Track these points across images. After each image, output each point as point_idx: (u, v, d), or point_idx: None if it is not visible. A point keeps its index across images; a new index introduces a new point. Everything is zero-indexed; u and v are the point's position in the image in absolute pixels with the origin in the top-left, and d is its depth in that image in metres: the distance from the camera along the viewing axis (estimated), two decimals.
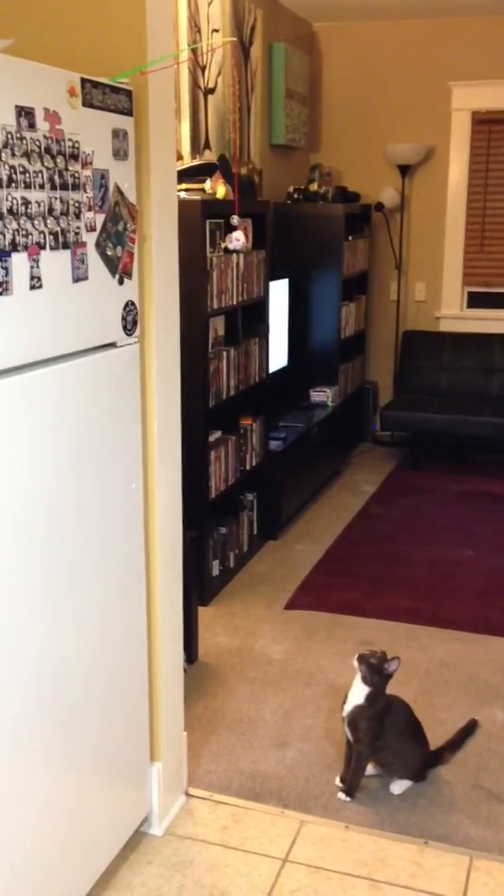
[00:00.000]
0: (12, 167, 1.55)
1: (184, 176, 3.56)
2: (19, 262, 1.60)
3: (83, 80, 1.73)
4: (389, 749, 2.48)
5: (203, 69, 4.27)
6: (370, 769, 2.52)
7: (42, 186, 1.63)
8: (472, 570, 4.03)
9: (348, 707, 2.47)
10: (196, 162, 3.86)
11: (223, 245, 3.58)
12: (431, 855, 2.28)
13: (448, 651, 3.31)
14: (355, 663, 2.48)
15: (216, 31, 4.35)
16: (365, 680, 2.45)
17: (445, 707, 2.93)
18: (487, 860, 2.26)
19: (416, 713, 2.55)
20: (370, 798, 2.49)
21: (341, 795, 2.48)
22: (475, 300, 6.01)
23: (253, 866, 2.24)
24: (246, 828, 2.38)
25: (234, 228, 2.70)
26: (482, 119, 5.70)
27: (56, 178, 1.67)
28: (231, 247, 3.31)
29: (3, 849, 1.75)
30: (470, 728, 2.77)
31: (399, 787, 2.51)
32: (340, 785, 2.51)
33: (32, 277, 1.64)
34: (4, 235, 1.56)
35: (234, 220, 2.67)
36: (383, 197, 5.79)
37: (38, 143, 1.61)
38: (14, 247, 1.58)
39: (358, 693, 2.46)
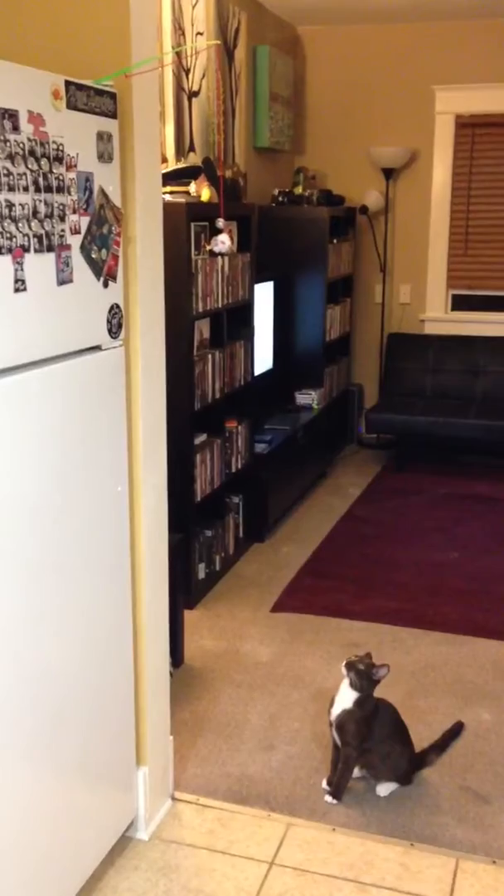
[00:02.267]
0: None
1: (168, 179, 3.55)
2: (3, 264, 1.59)
3: (67, 83, 1.73)
4: (377, 752, 2.48)
5: (187, 72, 4.27)
6: (356, 772, 2.52)
7: (26, 189, 1.63)
8: (457, 572, 4.04)
9: (336, 711, 2.47)
10: (180, 165, 3.86)
11: (208, 248, 3.58)
12: (418, 856, 2.28)
13: (434, 653, 3.32)
14: (343, 670, 2.47)
15: (200, 34, 4.35)
16: (353, 685, 2.45)
17: (431, 709, 2.94)
18: (473, 861, 2.27)
19: (402, 715, 2.55)
20: (356, 800, 2.49)
21: (328, 798, 2.48)
22: (459, 303, 6.03)
23: (240, 870, 2.23)
24: (232, 831, 2.37)
25: (220, 231, 2.70)
26: (465, 122, 5.72)
27: (40, 180, 1.67)
28: (217, 249, 3.31)
29: None
30: (456, 730, 2.77)
31: (385, 789, 2.51)
32: (327, 788, 2.51)
33: (17, 280, 1.63)
34: None
35: (220, 222, 2.67)
36: (368, 200, 5.80)
37: (22, 145, 1.60)
38: None
39: (346, 697, 2.46)
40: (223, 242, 3.42)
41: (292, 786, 2.55)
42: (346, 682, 2.47)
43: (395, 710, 2.53)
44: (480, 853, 2.29)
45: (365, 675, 2.44)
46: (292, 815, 2.43)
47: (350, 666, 2.46)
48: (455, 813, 2.44)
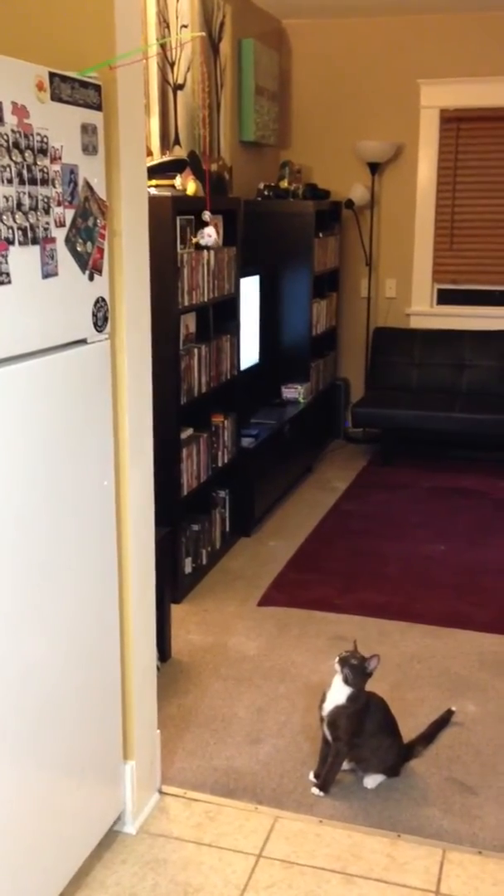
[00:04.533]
0: None
1: (154, 172, 3.54)
2: None
3: (51, 74, 1.72)
4: (367, 745, 2.49)
5: (172, 65, 4.26)
6: (345, 764, 2.53)
7: (10, 181, 1.62)
8: (443, 565, 4.06)
9: (328, 707, 2.47)
10: (166, 158, 3.84)
11: (195, 241, 3.57)
12: (404, 848, 2.29)
13: (420, 645, 3.33)
14: (336, 666, 2.46)
15: (185, 26, 4.33)
16: (346, 681, 2.45)
17: (418, 701, 2.95)
18: (460, 852, 2.28)
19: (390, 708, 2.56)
20: (343, 792, 2.50)
21: (315, 791, 2.49)
22: (445, 297, 6.05)
23: (227, 863, 2.24)
24: (220, 825, 2.38)
25: (206, 224, 2.70)
26: (450, 117, 5.73)
27: (25, 172, 1.66)
28: (203, 242, 3.30)
29: None
30: (444, 720, 2.78)
31: (373, 781, 2.52)
32: (314, 780, 2.52)
33: (1, 273, 1.62)
34: None
35: (206, 215, 2.67)
36: (353, 194, 5.80)
37: (6, 137, 1.59)
38: None
39: (339, 693, 2.46)
40: (210, 235, 3.42)
41: (279, 779, 2.56)
42: (338, 678, 2.46)
43: (384, 703, 2.54)
44: (467, 844, 2.31)
45: (359, 669, 2.44)
46: (279, 808, 2.44)
47: (344, 661, 2.45)
48: (441, 804, 2.46)
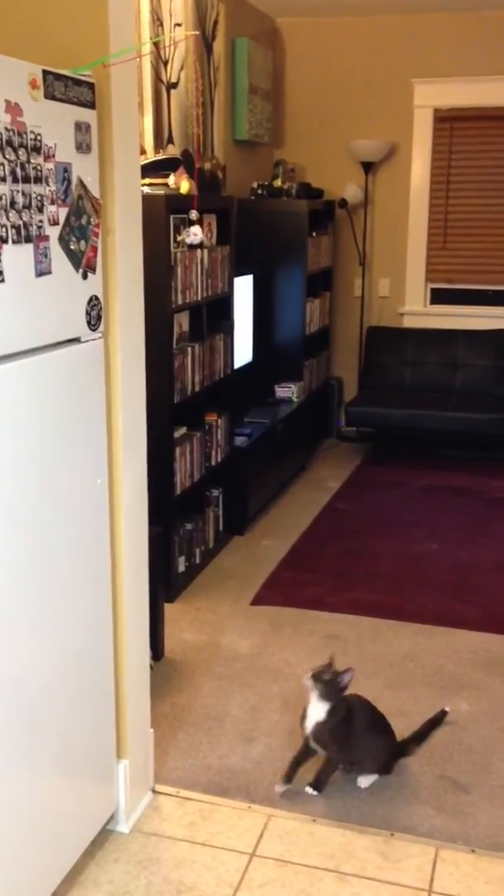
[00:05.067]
0: None
1: (147, 170, 3.54)
2: None
3: (45, 72, 1.71)
4: (356, 748, 2.48)
5: (165, 63, 4.25)
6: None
7: (4, 179, 1.61)
8: (437, 564, 4.07)
9: (310, 724, 2.44)
10: (159, 156, 3.84)
11: (180, 239, 3.57)
12: (397, 846, 2.30)
13: (413, 644, 3.34)
14: (309, 682, 2.42)
15: (179, 25, 4.33)
16: (322, 696, 2.43)
17: (411, 700, 2.96)
18: (453, 850, 2.28)
19: (382, 707, 2.57)
20: (337, 791, 2.50)
21: (308, 789, 2.49)
22: (438, 296, 6.06)
23: (220, 861, 2.24)
24: (213, 823, 2.38)
25: (192, 223, 2.70)
26: (444, 116, 5.74)
27: (18, 170, 1.65)
28: (189, 241, 3.30)
29: None
30: (438, 718, 2.78)
31: (366, 780, 2.52)
32: (285, 787, 2.49)
33: None
34: None
35: (193, 214, 2.66)
36: (347, 193, 5.81)
37: None
38: None
39: (317, 710, 2.43)
40: (195, 234, 3.42)
41: (273, 777, 2.56)
42: (314, 694, 2.43)
43: (368, 703, 2.53)
44: (460, 842, 2.31)
45: (332, 685, 2.42)
46: (273, 807, 2.44)
47: (316, 677, 2.42)
48: (434, 802, 2.46)
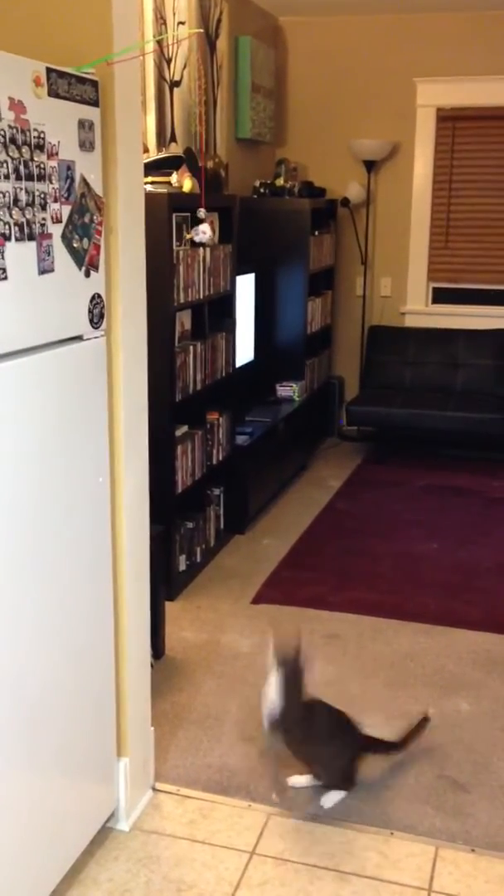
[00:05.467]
0: None
1: (150, 169, 3.54)
2: None
3: (49, 70, 1.71)
4: (313, 754, 2.42)
5: (169, 62, 4.25)
6: (309, 779, 2.48)
7: (7, 177, 1.61)
8: (437, 564, 4.07)
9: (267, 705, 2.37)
10: (162, 155, 3.84)
11: (188, 237, 3.57)
12: (397, 845, 2.30)
13: (413, 644, 3.34)
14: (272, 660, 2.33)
15: (182, 23, 4.32)
16: (281, 677, 2.32)
17: (411, 699, 2.96)
18: (453, 850, 2.28)
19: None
20: None
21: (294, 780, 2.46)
22: (440, 296, 6.05)
23: (220, 860, 2.24)
24: (213, 822, 2.38)
25: (201, 221, 2.69)
26: (447, 116, 5.73)
27: (21, 168, 1.65)
28: (197, 239, 3.30)
29: None
30: (420, 727, 2.64)
31: (329, 800, 2.42)
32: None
33: None
34: None
35: (201, 212, 2.66)
36: (349, 192, 5.80)
37: (2, 132, 1.59)
38: None
39: (275, 689, 2.33)
40: (204, 232, 3.41)
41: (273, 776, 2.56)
42: (275, 675, 2.34)
43: (331, 709, 2.43)
44: (459, 841, 2.31)
45: (292, 664, 2.32)
46: (273, 806, 2.44)
47: (278, 656, 2.32)
48: (434, 802, 2.46)
